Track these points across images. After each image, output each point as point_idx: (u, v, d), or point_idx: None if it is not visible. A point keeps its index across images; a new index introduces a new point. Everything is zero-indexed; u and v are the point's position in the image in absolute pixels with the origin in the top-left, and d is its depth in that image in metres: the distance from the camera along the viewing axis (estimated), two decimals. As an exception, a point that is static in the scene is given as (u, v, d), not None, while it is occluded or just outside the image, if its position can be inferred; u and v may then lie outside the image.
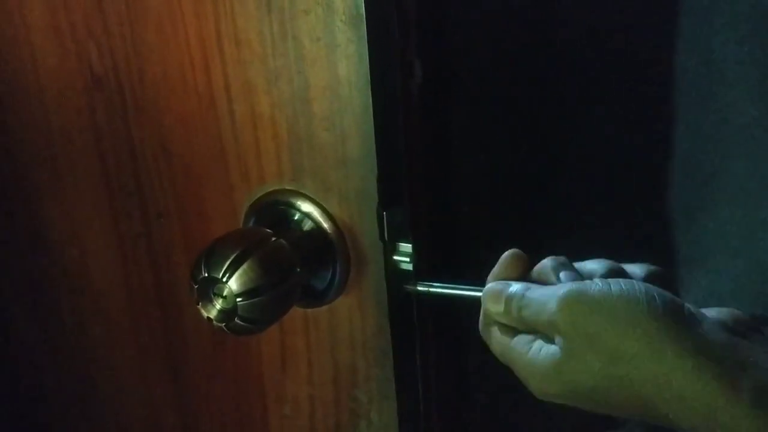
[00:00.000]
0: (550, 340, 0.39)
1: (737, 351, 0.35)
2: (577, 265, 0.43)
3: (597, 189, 0.70)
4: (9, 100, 0.67)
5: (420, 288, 0.53)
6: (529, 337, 0.40)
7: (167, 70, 0.57)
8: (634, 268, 0.42)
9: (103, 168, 0.65)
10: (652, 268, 0.42)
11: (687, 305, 0.37)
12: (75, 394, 0.79)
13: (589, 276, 0.41)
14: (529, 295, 0.40)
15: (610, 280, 0.38)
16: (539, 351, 0.39)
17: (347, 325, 0.58)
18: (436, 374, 0.61)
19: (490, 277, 0.44)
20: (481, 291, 0.47)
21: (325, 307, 0.58)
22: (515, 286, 0.41)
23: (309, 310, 0.59)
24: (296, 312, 0.59)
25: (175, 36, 0.56)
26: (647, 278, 0.41)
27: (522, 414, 0.70)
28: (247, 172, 0.57)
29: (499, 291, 0.42)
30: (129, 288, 0.69)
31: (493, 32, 0.68)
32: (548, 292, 0.39)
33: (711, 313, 0.38)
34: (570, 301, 0.37)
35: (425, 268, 0.64)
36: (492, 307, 0.42)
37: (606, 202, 0.70)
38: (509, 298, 0.41)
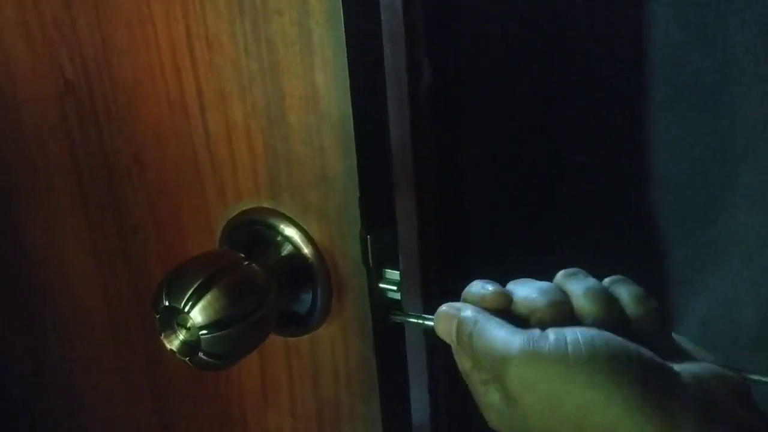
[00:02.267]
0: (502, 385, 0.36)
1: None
2: (559, 280, 0.39)
3: (608, 195, 0.66)
4: (-16, 105, 0.63)
5: (409, 319, 0.48)
6: (484, 376, 0.37)
7: (138, 76, 0.53)
8: (620, 290, 0.37)
9: (78, 178, 0.61)
10: (635, 291, 0.37)
11: (662, 362, 0.33)
12: (60, 413, 0.76)
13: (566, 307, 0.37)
14: (480, 333, 0.37)
15: (566, 333, 0.34)
16: (492, 395, 0.36)
17: (330, 356, 0.52)
18: (430, 412, 0.55)
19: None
20: None
21: (307, 336, 0.53)
22: (466, 313, 0.38)
23: (290, 339, 0.54)
24: (277, 340, 0.54)
25: (145, 39, 0.51)
26: (632, 303, 0.37)
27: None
28: (222, 187, 0.52)
29: (449, 317, 0.39)
30: (109, 305, 0.65)
31: (504, 34, 0.64)
32: (500, 340, 0.35)
33: (691, 368, 0.34)
34: (520, 364, 0.34)
35: (434, 285, 0.59)
36: (444, 334, 0.39)
37: (617, 208, 0.66)
38: (460, 325, 0.38)
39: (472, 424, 0.65)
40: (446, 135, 0.65)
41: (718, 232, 0.62)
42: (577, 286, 0.37)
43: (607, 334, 0.33)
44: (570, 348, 0.33)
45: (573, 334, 0.33)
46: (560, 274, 0.39)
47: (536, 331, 0.34)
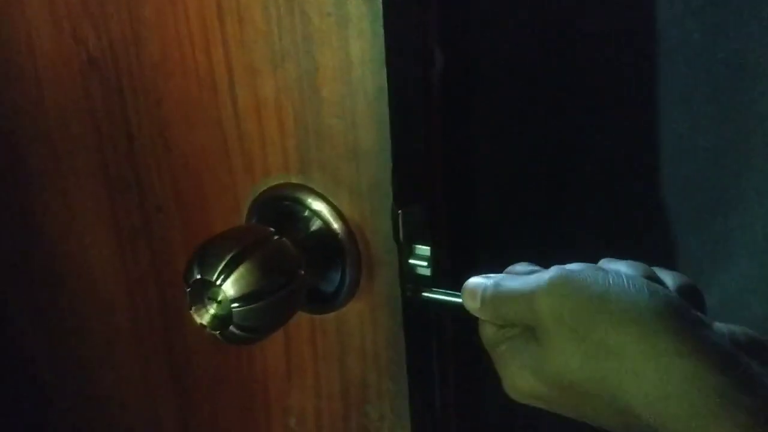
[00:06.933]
0: (531, 332, 0.35)
1: (743, 366, 0.30)
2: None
3: (621, 185, 0.66)
4: (4, 81, 0.63)
5: (439, 296, 0.48)
6: (511, 330, 0.36)
7: (166, 51, 0.52)
8: (666, 277, 0.36)
9: (100, 157, 0.60)
10: (684, 279, 0.36)
11: (695, 311, 0.33)
12: (77, 396, 0.75)
13: None
14: (506, 284, 0.36)
15: (606, 267, 0.34)
16: (518, 343, 0.35)
17: (357, 333, 0.52)
18: (456, 390, 0.55)
19: None
20: None
21: (333, 314, 0.53)
22: (492, 278, 0.38)
23: (316, 317, 0.54)
24: (302, 318, 0.54)
25: (174, 12, 0.51)
26: (677, 290, 0.36)
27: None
28: (250, 164, 0.52)
29: (475, 285, 0.38)
30: (129, 287, 0.65)
31: (516, 25, 0.64)
32: (529, 279, 0.35)
33: (723, 327, 0.34)
34: (555, 286, 0.33)
35: (444, 270, 0.59)
36: (470, 304, 0.39)
37: (630, 199, 0.66)
38: (485, 291, 0.37)
39: (492, 403, 0.65)
40: (459, 121, 0.65)
41: (728, 226, 0.62)
42: (626, 270, 0.36)
43: (647, 280, 0.33)
44: (611, 277, 0.32)
45: (615, 270, 0.33)
46: (603, 262, 0.38)
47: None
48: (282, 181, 0.51)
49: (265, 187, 0.52)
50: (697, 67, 0.59)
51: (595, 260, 0.38)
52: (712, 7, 0.57)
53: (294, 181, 0.50)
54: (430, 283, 0.49)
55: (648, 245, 0.68)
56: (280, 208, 0.51)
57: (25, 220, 0.68)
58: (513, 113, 0.67)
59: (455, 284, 0.59)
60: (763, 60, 0.56)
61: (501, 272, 0.40)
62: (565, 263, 0.38)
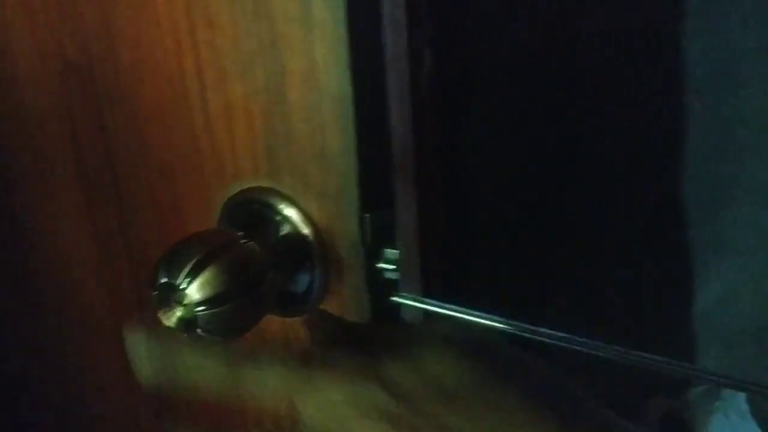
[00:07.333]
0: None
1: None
2: None
3: (617, 187, 0.66)
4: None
5: (406, 301, 0.48)
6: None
7: (139, 56, 0.53)
8: None
9: (78, 159, 0.61)
10: None
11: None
12: (58, 398, 0.76)
13: None
14: None
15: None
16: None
17: (328, 337, 0.52)
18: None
19: None
20: (480, 317, 0.43)
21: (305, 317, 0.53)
22: None
23: (288, 320, 0.54)
24: (274, 321, 0.54)
25: (146, 17, 0.51)
26: None
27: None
28: (221, 166, 0.52)
29: None
30: (108, 289, 0.65)
31: (515, 24, 0.64)
32: None
33: None
34: None
35: (432, 278, 0.59)
36: None
37: (627, 200, 0.66)
38: None
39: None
40: (449, 122, 0.65)
41: (724, 225, 0.62)
42: None
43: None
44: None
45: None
46: None
47: None
48: (252, 185, 0.51)
49: (236, 190, 0.52)
50: (695, 69, 0.59)
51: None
52: (703, 8, 0.57)
53: (264, 184, 0.50)
54: (399, 287, 0.49)
55: (648, 243, 0.67)
56: (251, 212, 0.51)
57: (11, 223, 0.69)
58: (512, 113, 0.67)
59: (451, 286, 0.58)
60: (757, 65, 0.57)
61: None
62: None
